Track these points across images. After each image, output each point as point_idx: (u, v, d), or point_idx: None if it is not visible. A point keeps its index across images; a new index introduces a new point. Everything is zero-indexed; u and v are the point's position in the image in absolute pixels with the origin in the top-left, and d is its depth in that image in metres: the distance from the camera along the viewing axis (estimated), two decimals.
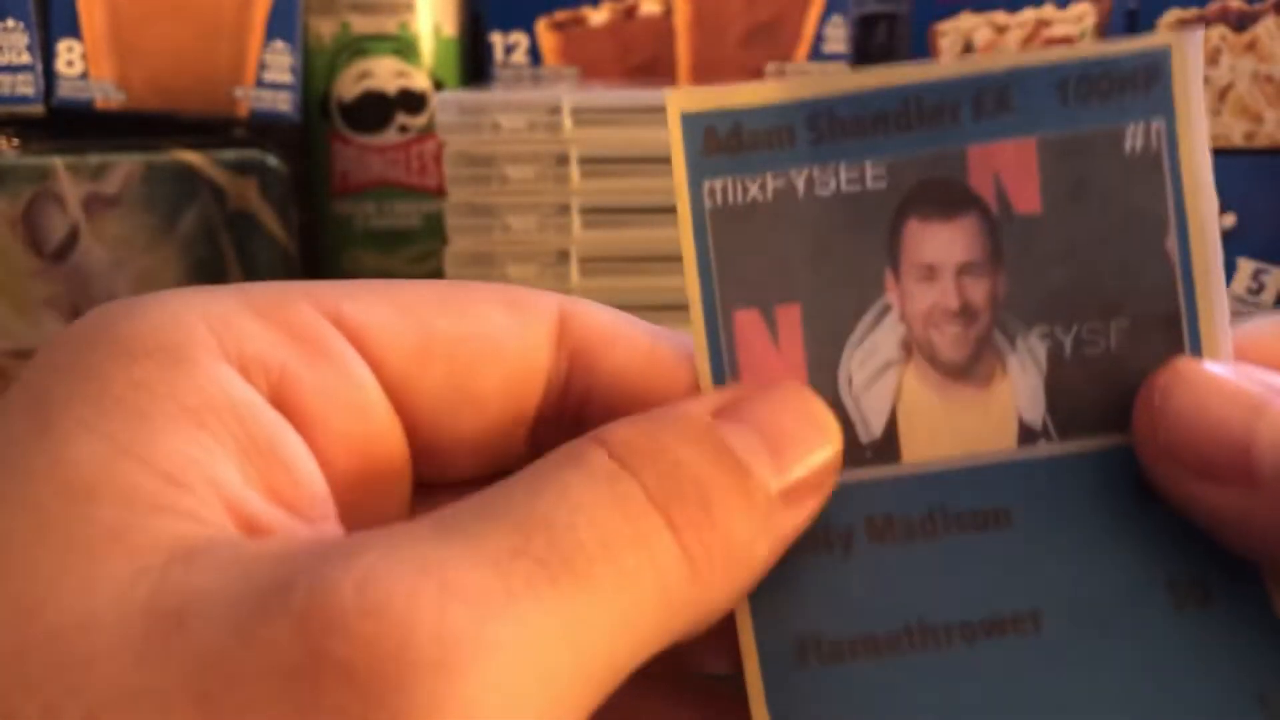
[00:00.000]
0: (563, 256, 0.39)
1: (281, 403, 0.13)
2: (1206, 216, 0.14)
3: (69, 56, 0.47)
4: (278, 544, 0.12)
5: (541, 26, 0.56)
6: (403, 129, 0.54)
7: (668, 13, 0.56)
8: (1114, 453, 0.14)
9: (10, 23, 0.46)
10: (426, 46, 0.54)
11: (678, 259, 0.41)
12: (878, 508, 0.15)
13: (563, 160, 0.39)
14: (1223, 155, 0.55)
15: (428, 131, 0.54)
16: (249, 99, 0.50)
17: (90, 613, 0.11)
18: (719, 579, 0.13)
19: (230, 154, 0.49)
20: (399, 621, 0.10)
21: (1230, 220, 0.53)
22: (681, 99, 0.15)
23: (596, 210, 0.39)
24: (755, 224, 0.15)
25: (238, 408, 0.13)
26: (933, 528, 0.14)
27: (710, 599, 0.14)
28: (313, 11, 0.53)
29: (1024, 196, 0.14)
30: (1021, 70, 0.14)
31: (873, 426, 0.15)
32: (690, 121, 0.15)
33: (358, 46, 0.53)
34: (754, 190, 0.15)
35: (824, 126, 0.14)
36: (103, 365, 0.12)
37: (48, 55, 0.47)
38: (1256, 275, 0.53)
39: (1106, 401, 0.14)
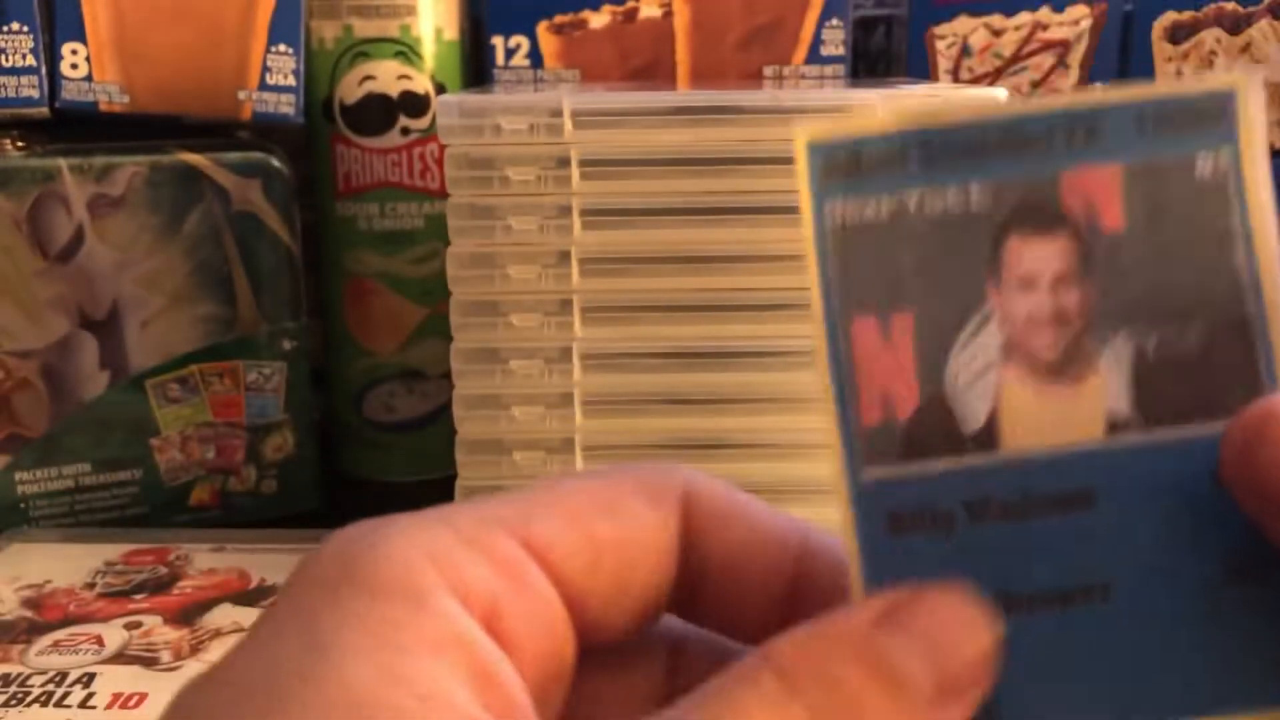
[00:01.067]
0: (563, 257, 0.40)
1: (493, 628, 0.16)
2: (1270, 232, 0.16)
3: (73, 59, 0.48)
4: None
5: (542, 30, 0.57)
6: (405, 131, 0.55)
7: (667, 16, 0.57)
8: (1193, 443, 0.16)
9: (15, 25, 0.47)
10: (428, 49, 0.55)
11: (677, 259, 0.41)
12: (977, 492, 0.17)
13: (563, 162, 0.39)
14: None
15: (430, 134, 0.55)
16: (253, 101, 0.50)
17: None
18: None
19: (234, 155, 0.50)
20: None
21: None
22: (807, 131, 0.17)
23: (597, 212, 0.39)
24: (871, 240, 0.17)
25: (464, 640, 0.16)
26: (1024, 508, 0.16)
27: None
28: (315, 14, 0.54)
29: (1110, 216, 0.17)
30: (1108, 106, 0.17)
31: (975, 420, 0.17)
32: (814, 150, 0.17)
33: (360, 49, 0.54)
34: (870, 210, 0.17)
35: (935, 152, 0.17)
36: (357, 602, 0.15)
37: (52, 58, 0.48)
38: None
39: (1187, 396, 0.16)
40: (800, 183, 0.17)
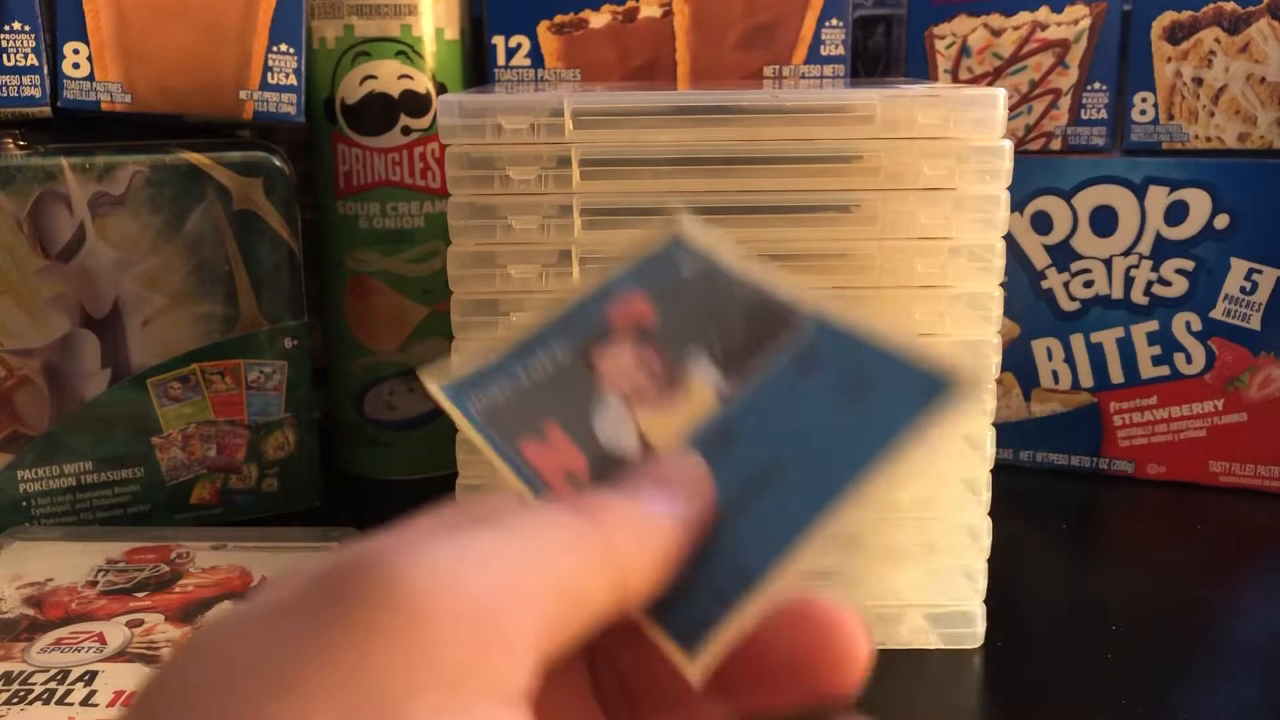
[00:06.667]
0: (564, 256, 0.40)
1: None
2: (744, 265, 0.24)
3: (75, 59, 0.48)
4: None
5: (542, 29, 0.57)
6: (406, 131, 0.55)
7: (667, 15, 0.57)
8: (771, 361, 0.22)
9: (17, 25, 0.47)
10: (429, 49, 0.55)
11: None
12: None
13: (564, 162, 0.39)
14: (1217, 157, 0.55)
15: (430, 133, 0.55)
16: (254, 101, 0.50)
17: None
18: (625, 544, 0.19)
19: (236, 154, 0.50)
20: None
21: (1224, 221, 0.54)
22: (432, 376, 0.24)
23: (597, 211, 0.40)
24: (507, 407, 0.24)
25: None
26: None
27: (623, 563, 0.19)
28: (316, 14, 0.54)
29: (646, 315, 0.24)
30: (618, 277, 0.25)
31: (632, 451, 0.22)
32: (445, 388, 0.24)
33: (361, 49, 0.54)
34: (496, 394, 0.24)
35: (524, 349, 0.24)
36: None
37: (54, 57, 0.48)
38: (1249, 275, 0.54)
39: (751, 348, 0.22)
40: (445, 406, 0.24)
